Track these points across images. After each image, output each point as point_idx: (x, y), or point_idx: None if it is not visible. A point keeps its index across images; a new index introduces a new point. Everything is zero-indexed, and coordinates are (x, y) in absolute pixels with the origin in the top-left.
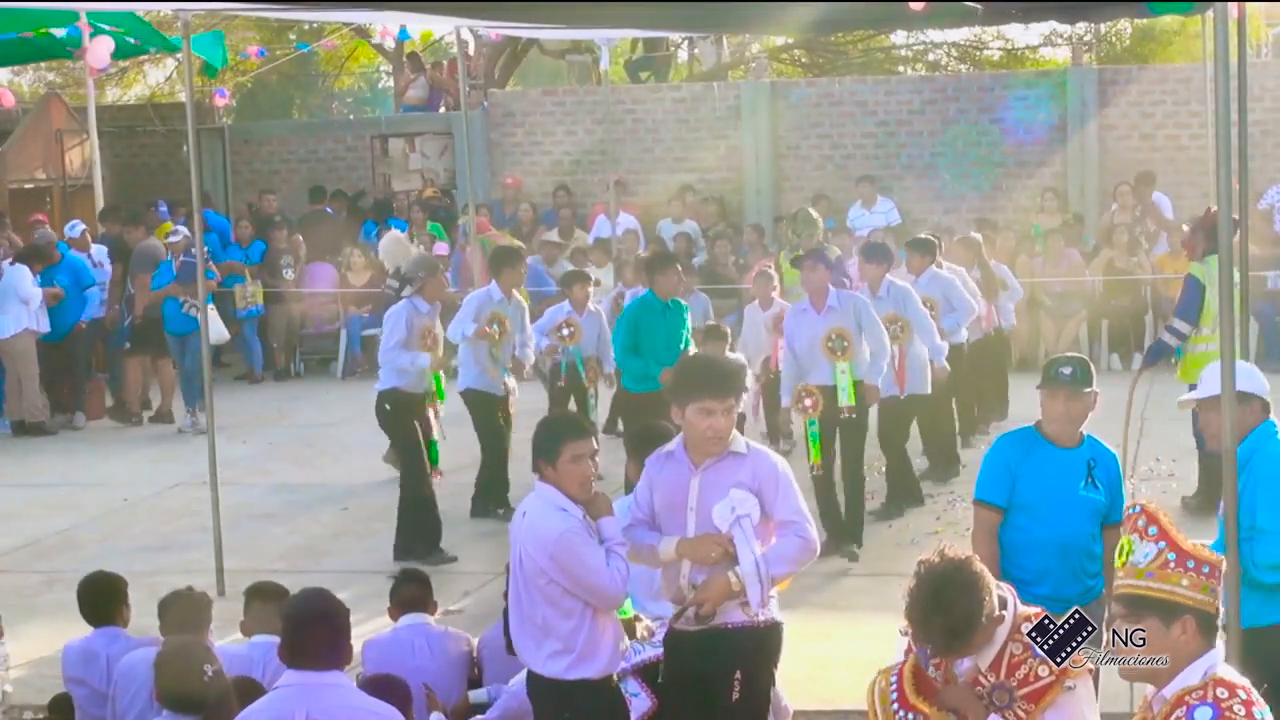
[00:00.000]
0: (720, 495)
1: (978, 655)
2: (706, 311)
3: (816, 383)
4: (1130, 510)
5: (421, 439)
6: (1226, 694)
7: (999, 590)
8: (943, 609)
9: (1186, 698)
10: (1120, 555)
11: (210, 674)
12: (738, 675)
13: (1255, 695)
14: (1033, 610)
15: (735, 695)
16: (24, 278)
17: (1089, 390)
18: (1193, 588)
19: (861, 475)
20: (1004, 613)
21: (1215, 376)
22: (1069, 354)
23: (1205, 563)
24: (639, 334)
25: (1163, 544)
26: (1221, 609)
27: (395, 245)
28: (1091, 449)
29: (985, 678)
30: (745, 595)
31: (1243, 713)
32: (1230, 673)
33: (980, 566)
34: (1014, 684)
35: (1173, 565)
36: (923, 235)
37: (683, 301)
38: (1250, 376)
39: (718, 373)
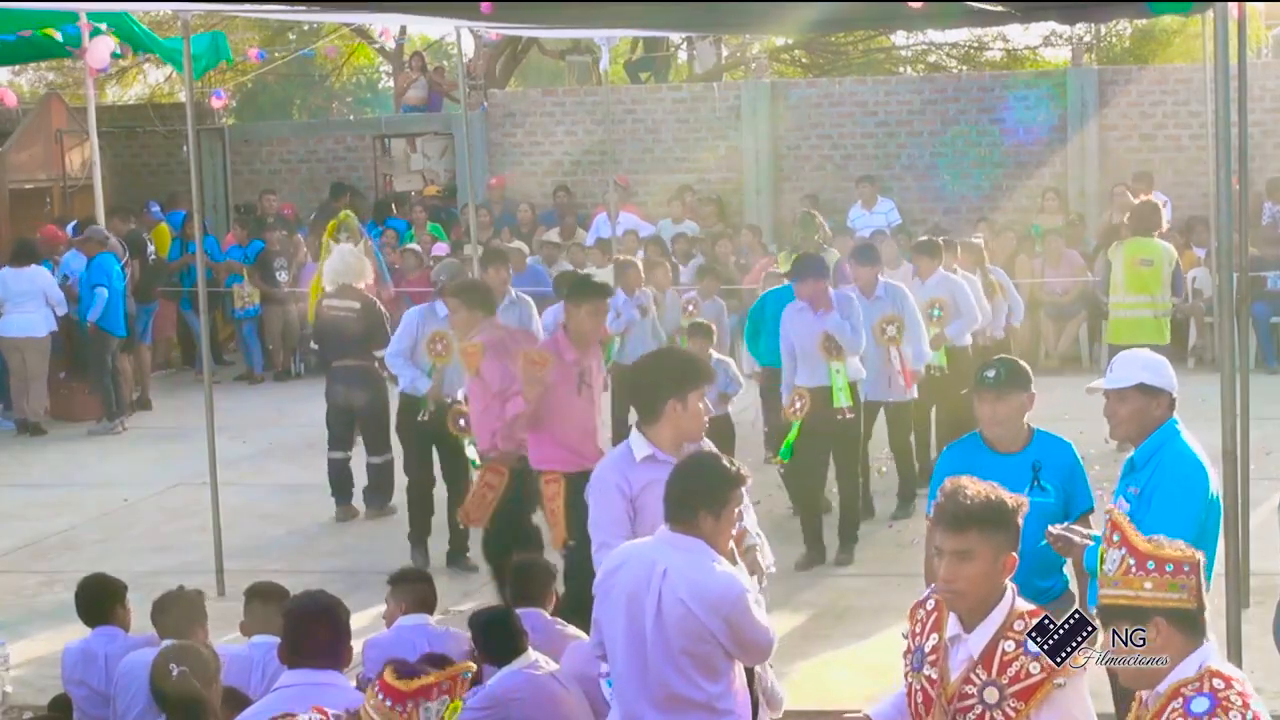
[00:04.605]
0: None
1: (971, 638)
2: (720, 315)
3: (805, 384)
4: (1105, 519)
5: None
6: (1223, 685)
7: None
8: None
9: (1182, 689)
10: (1101, 565)
11: (176, 673)
12: None
13: (1250, 688)
14: (1028, 607)
15: None
16: (50, 278)
17: (1016, 392)
18: (1158, 588)
19: (857, 481)
20: (1008, 583)
21: (1125, 366)
22: (1000, 356)
23: (1168, 560)
24: None
25: (1124, 550)
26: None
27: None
28: (1039, 448)
29: (977, 674)
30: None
31: (1240, 703)
32: (1225, 665)
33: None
34: (1005, 681)
35: (1134, 570)
36: (926, 237)
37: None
38: (1158, 370)
39: (705, 361)
